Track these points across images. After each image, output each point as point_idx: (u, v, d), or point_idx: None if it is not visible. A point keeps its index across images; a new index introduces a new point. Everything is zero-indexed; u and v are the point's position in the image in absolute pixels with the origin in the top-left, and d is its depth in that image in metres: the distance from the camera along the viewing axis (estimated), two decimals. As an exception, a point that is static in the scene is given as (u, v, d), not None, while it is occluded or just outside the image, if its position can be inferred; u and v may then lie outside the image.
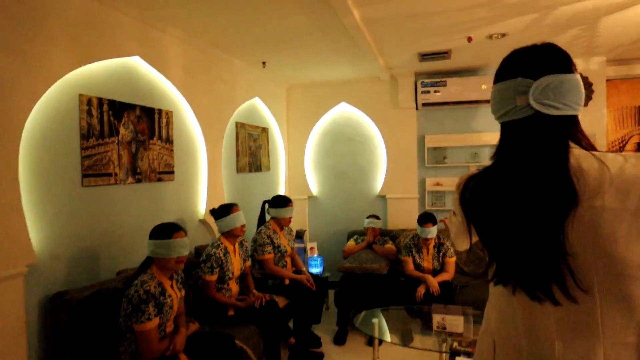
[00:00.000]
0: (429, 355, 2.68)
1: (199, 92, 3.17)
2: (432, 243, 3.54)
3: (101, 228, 2.35)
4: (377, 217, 4.12)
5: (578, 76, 0.89)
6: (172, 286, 2.21)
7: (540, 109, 0.85)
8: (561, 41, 3.37)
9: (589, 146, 0.85)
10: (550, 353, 0.82)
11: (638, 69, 4.10)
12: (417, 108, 4.39)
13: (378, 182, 4.66)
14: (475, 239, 0.96)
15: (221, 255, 2.75)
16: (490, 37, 3.19)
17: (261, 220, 3.60)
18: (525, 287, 0.83)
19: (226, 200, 3.60)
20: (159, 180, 2.81)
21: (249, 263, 3.07)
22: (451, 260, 3.49)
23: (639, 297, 0.76)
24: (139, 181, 2.61)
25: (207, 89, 3.27)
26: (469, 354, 2.41)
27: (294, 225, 4.84)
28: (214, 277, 2.71)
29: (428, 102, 4.24)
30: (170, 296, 2.15)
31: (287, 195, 4.80)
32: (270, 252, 3.31)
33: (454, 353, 2.46)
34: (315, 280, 3.49)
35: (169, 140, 2.89)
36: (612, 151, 0.92)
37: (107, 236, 2.40)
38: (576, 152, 0.83)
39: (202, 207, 3.29)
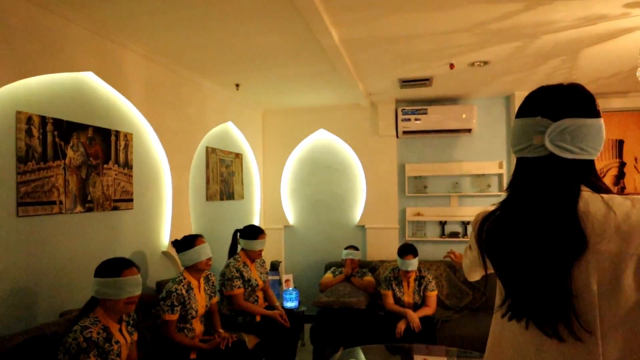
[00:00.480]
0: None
1: (164, 114, 2.96)
2: (413, 276, 3.34)
3: (41, 264, 2.06)
4: (356, 248, 3.91)
5: (601, 121, 0.87)
6: (120, 330, 1.92)
7: (554, 151, 0.85)
8: (541, 71, 3.34)
9: (602, 189, 0.85)
10: None
11: (614, 103, 4.12)
12: (397, 136, 4.27)
13: (357, 212, 4.47)
14: (490, 271, 0.98)
15: (183, 292, 2.47)
16: (473, 64, 3.12)
17: (232, 251, 3.33)
18: (536, 323, 0.85)
19: (193, 231, 3.33)
20: (115, 209, 2.54)
21: (215, 299, 2.79)
22: (432, 294, 3.28)
23: None
24: (89, 210, 2.34)
25: (173, 111, 3.05)
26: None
27: (269, 256, 4.57)
28: (175, 317, 2.42)
29: (409, 130, 4.13)
30: (117, 342, 1.86)
31: (262, 224, 4.56)
32: (239, 287, 3.03)
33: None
34: (289, 316, 3.21)
35: (127, 165, 2.64)
36: (621, 194, 0.86)
37: (48, 273, 2.10)
38: (586, 195, 0.83)
39: (165, 238, 3.01)
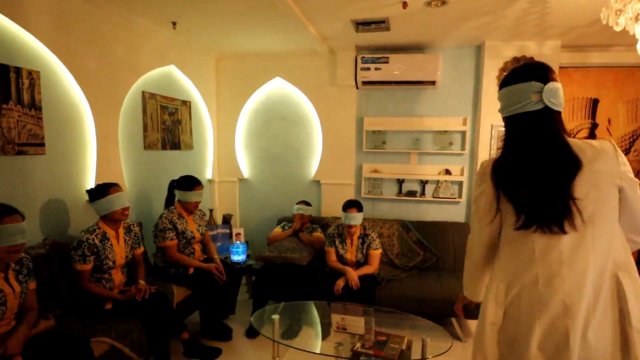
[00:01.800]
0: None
1: (81, 52, 2.67)
2: (357, 233, 3.23)
3: None
4: (308, 204, 3.78)
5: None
6: (6, 279, 1.80)
7: (550, 105, 1.24)
8: (510, 16, 3.06)
9: (567, 134, 1.26)
10: (558, 272, 1.19)
11: (592, 57, 3.84)
12: (357, 87, 4.01)
13: (313, 166, 4.29)
14: (502, 206, 1.30)
15: (96, 241, 2.34)
16: (429, 4, 2.81)
17: (168, 202, 3.19)
18: (545, 225, 1.21)
19: (126, 180, 3.16)
20: (21, 153, 2.34)
21: (139, 250, 2.67)
22: (375, 253, 3.18)
23: (618, 231, 1.23)
24: (-16, 153, 2.15)
25: (93, 49, 2.77)
26: (371, 357, 2.12)
27: (223, 209, 4.45)
28: (87, 267, 2.31)
29: (368, 81, 3.87)
30: (1, 291, 1.74)
31: (215, 177, 4.40)
32: (172, 239, 2.92)
33: (355, 355, 2.16)
34: (229, 269, 3.13)
35: (34, 106, 2.41)
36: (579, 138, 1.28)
37: None
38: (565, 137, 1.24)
39: (90, 187, 2.83)
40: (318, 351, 2.20)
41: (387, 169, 4.09)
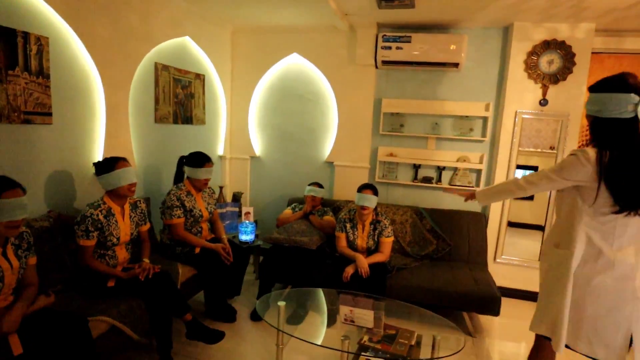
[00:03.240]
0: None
1: (93, 19, 2.57)
2: (369, 219, 3.13)
3: None
4: (320, 186, 3.68)
5: None
6: (5, 255, 1.75)
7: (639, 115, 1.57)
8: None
9: None
10: (629, 244, 1.61)
11: (628, 43, 3.58)
12: (376, 66, 3.84)
13: (327, 147, 4.17)
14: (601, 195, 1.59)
15: (100, 217, 2.29)
16: (457, -19, 2.63)
17: (177, 179, 3.12)
18: (634, 211, 1.56)
19: (135, 153, 3.09)
20: (27, 122, 2.27)
21: (145, 227, 2.62)
22: (387, 241, 3.09)
23: None
24: (-10, 121, 2.08)
25: (105, 16, 2.66)
26: (378, 352, 2.05)
27: (233, 187, 4.38)
28: (91, 242, 2.26)
29: (389, 60, 3.69)
30: None
31: (227, 154, 4.32)
32: (179, 217, 2.86)
33: (362, 348, 2.10)
34: (236, 249, 3.07)
35: (42, 74, 2.33)
36: None
37: None
38: None
39: (98, 159, 2.77)
40: (322, 343, 2.13)
41: (403, 153, 3.95)
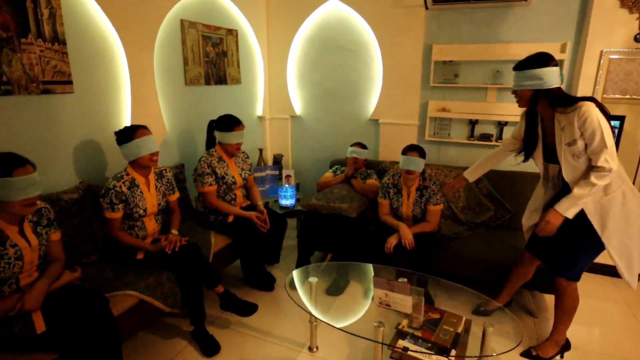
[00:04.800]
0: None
1: (104, -27, 2.38)
2: (416, 184, 2.81)
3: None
4: (363, 146, 3.38)
5: None
6: (22, 233, 1.71)
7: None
8: None
9: None
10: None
11: None
12: (426, 7, 3.33)
13: (371, 103, 3.81)
14: None
15: (124, 189, 2.20)
16: None
17: (209, 145, 2.98)
18: None
19: (165, 120, 2.98)
20: (47, 92, 2.19)
21: (174, 197, 2.53)
22: (435, 209, 2.77)
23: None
24: (7, 93, 2.01)
25: (118, -31, 2.45)
26: (418, 340, 1.83)
27: (274, 148, 4.21)
28: (117, 215, 2.20)
29: (441, -2, 3.17)
30: (15, 246, 1.66)
31: (267, 114, 4.12)
32: (211, 184, 2.74)
33: (400, 334, 1.89)
34: (273, 216, 2.93)
35: (57, 40, 2.20)
36: None
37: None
38: None
39: (127, 123, 2.68)
40: (355, 328, 1.93)
41: (458, 107, 3.49)
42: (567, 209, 1.87)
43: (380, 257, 2.69)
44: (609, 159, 1.75)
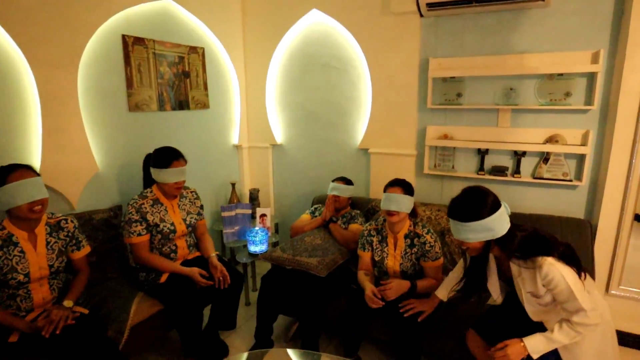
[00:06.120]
0: None
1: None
2: (403, 230, 2.17)
3: None
4: (348, 182, 2.79)
5: None
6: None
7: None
8: None
9: None
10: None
11: None
12: (420, 14, 2.74)
13: (360, 129, 3.21)
14: None
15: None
16: None
17: (147, 183, 2.45)
18: None
19: (95, 153, 2.48)
20: None
21: (80, 254, 1.99)
22: (434, 265, 2.13)
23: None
24: None
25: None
26: None
27: (253, 182, 3.66)
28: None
29: (438, 1, 2.58)
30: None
31: (246, 142, 3.59)
32: (140, 234, 2.19)
33: None
34: (230, 272, 2.34)
35: None
36: None
37: None
38: None
39: (37, 159, 2.20)
40: None
41: (462, 133, 2.83)
42: (540, 351, 1.48)
43: (362, 327, 2.06)
44: (590, 315, 1.42)
